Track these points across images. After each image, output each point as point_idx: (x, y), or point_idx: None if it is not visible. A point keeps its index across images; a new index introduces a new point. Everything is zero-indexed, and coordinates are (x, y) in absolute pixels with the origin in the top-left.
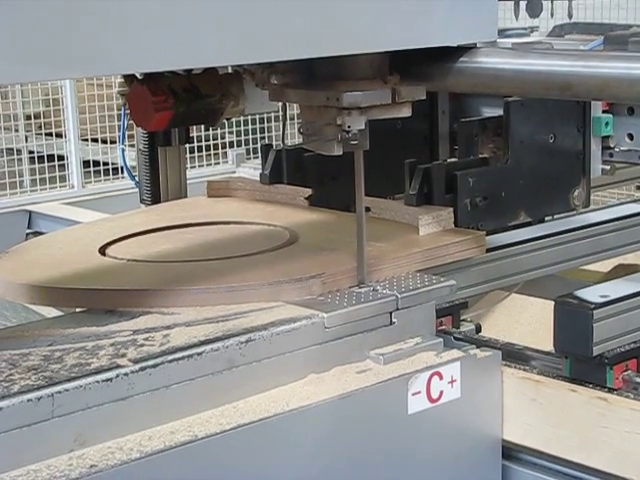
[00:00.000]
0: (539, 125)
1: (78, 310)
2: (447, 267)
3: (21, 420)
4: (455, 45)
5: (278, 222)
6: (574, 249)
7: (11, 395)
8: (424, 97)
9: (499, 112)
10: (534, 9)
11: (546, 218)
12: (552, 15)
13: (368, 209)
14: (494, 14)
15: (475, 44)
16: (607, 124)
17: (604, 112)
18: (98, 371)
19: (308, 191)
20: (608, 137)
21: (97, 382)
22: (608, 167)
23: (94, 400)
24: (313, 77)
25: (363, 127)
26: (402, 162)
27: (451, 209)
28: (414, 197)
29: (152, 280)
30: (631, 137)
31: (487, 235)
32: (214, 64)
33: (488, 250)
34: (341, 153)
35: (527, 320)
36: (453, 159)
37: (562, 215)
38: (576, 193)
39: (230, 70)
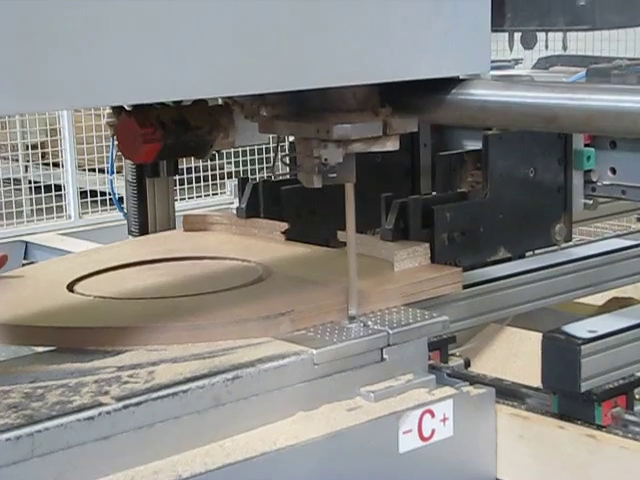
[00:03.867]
0: (519, 159)
1: None
2: (432, 302)
3: None
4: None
5: (253, 257)
6: (558, 284)
7: None
8: (416, 129)
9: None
10: (528, 41)
11: (526, 254)
12: (547, 47)
13: (344, 244)
14: (487, 45)
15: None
16: (589, 158)
17: (586, 145)
18: (80, 409)
19: (285, 225)
20: (590, 171)
21: (78, 421)
22: (590, 201)
23: (75, 439)
24: (303, 109)
25: (341, 160)
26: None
27: (427, 244)
28: (390, 232)
29: (118, 318)
30: (614, 171)
31: (467, 271)
32: (203, 96)
33: (474, 285)
34: (320, 186)
35: (524, 354)
36: (433, 193)
37: (544, 250)
38: (557, 228)
39: (220, 102)
